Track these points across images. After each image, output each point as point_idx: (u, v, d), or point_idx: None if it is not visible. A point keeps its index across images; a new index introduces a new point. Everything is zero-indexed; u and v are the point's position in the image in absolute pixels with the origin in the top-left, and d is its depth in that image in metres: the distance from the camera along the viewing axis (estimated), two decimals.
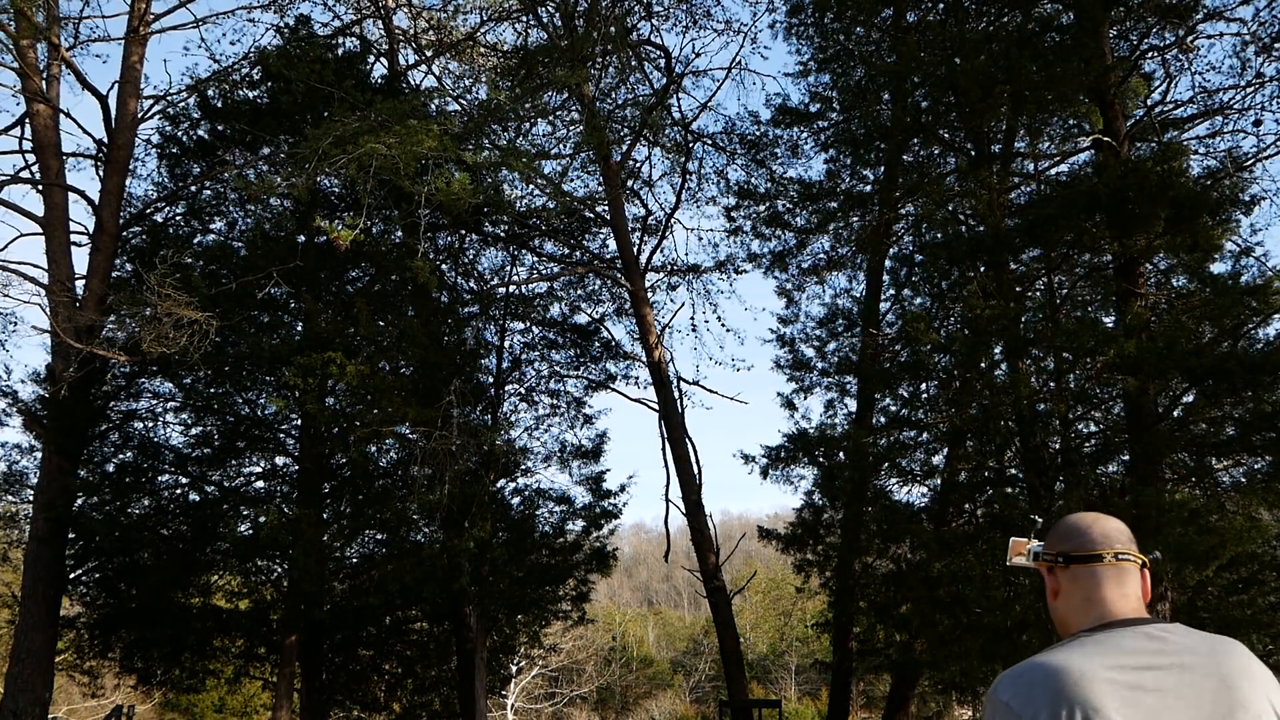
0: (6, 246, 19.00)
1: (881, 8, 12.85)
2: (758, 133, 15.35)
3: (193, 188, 14.18)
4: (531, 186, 14.30)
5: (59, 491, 12.41)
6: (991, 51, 10.73)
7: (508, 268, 15.51)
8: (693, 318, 26.84)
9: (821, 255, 15.40)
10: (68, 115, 13.85)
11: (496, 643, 15.30)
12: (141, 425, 13.80)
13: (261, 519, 12.61)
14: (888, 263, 14.27)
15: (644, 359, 14.46)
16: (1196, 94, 12.00)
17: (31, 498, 13.08)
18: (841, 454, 12.10)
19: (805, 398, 14.44)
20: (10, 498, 14.03)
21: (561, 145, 15.15)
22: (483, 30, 14.89)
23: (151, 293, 10.39)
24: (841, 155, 14.64)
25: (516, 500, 14.37)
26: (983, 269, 11.10)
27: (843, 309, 14.94)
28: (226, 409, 13.57)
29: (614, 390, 15.94)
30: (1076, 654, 1.79)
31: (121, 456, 13.66)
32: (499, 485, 13.92)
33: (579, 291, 15.58)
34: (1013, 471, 11.23)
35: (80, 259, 14.91)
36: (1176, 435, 10.11)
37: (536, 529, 14.06)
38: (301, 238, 13.30)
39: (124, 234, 13.75)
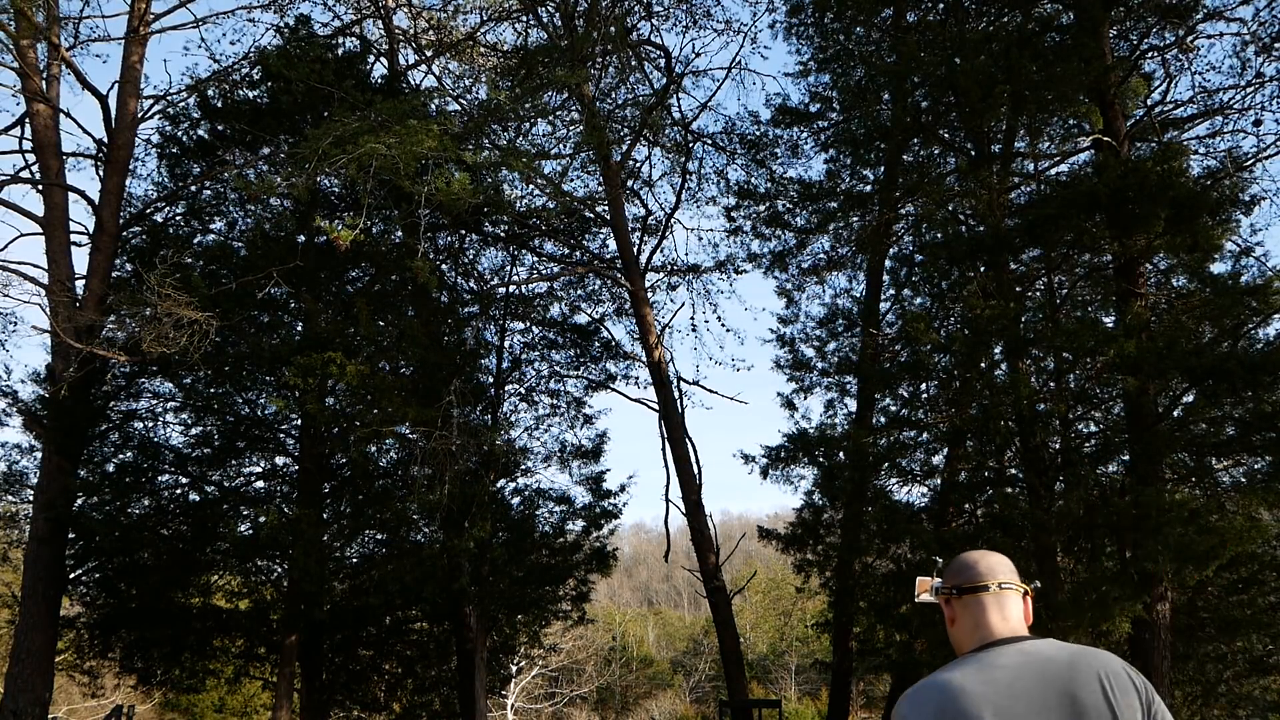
0: (6, 246, 19.01)
1: (881, 8, 12.84)
2: (758, 133, 15.36)
3: (193, 188, 14.18)
4: (531, 186, 14.30)
5: (59, 491, 12.41)
6: (991, 51, 10.73)
7: (508, 268, 15.52)
8: (693, 318, 26.86)
9: (821, 255, 15.40)
10: (68, 115, 13.86)
11: (496, 643, 15.29)
12: (141, 425, 13.81)
13: (261, 519, 12.61)
14: (888, 263, 14.27)
15: (644, 359, 14.45)
16: (1196, 94, 12.01)
17: (31, 498, 13.07)
18: (841, 454, 12.10)
19: (805, 398, 14.45)
20: (10, 498, 14.04)
21: (561, 145, 15.14)
22: (483, 30, 14.89)
23: (151, 293, 10.38)
24: (841, 155, 14.63)
25: (516, 500, 14.38)
26: (983, 269, 11.10)
27: (843, 309, 14.94)
28: (226, 409, 13.57)
29: (614, 390, 15.94)
30: (959, 672, 2.14)
31: (121, 456, 13.65)
32: (499, 485, 13.91)
33: (579, 291, 15.59)
34: (1013, 471, 11.23)
35: (80, 259, 14.94)
36: (1176, 435, 10.11)
37: (536, 529, 14.06)
38: (301, 238, 13.29)
39: (124, 234, 13.75)
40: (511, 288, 14.97)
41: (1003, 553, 2.45)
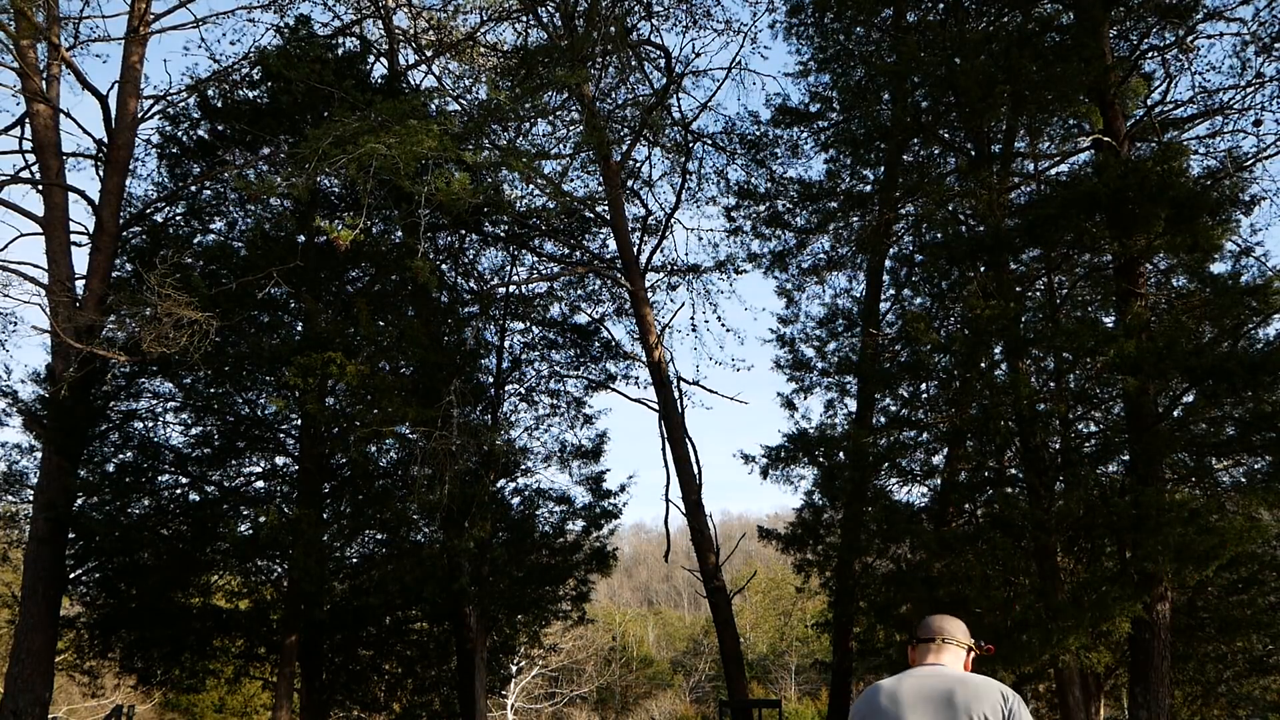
0: (6, 246, 18.96)
1: (881, 8, 12.84)
2: (758, 133, 15.35)
3: (193, 188, 14.18)
4: (531, 186, 14.30)
5: (59, 491, 12.41)
6: (991, 51, 10.73)
7: (508, 268, 15.52)
8: (693, 318, 26.76)
9: (821, 255, 15.39)
10: (68, 115, 13.85)
11: (496, 643, 15.29)
12: (141, 425, 13.79)
13: (261, 519, 12.59)
14: (888, 263, 14.27)
15: (644, 359, 14.46)
16: (1196, 94, 12.01)
17: (31, 498, 13.07)
18: (841, 454, 12.09)
19: (805, 398, 14.45)
20: (10, 498, 14.03)
21: (561, 145, 15.15)
22: (483, 30, 14.89)
23: (151, 293, 10.38)
24: (841, 155, 14.61)
25: (516, 500, 14.37)
26: (983, 269, 11.09)
27: (843, 309, 14.93)
28: (226, 409, 13.56)
29: (614, 390, 15.93)
30: (890, 678, 3.15)
31: (121, 456, 13.64)
32: (499, 485, 13.91)
33: (579, 291, 15.59)
34: (1013, 471, 11.23)
35: (80, 259, 14.92)
36: (1176, 435, 10.11)
37: (536, 529, 14.05)
38: (301, 238, 13.29)
39: (124, 234, 13.75)
40: (511, 288, 14.98)
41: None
